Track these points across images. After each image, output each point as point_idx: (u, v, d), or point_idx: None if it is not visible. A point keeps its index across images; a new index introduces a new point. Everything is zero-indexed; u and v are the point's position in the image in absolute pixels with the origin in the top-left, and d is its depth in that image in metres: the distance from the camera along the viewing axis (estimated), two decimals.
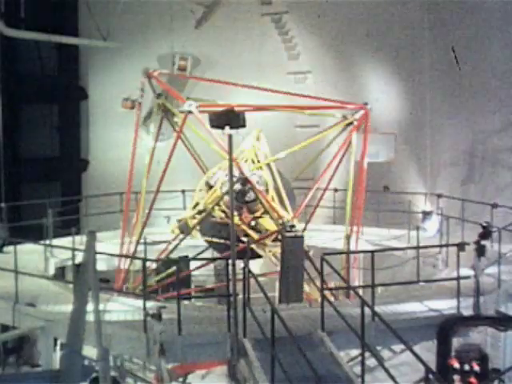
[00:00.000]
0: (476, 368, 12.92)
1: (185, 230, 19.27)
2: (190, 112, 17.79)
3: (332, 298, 16.52)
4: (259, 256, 18.94)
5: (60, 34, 29.48)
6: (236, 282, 12.39)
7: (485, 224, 15.58)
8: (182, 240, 19.23)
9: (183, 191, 23.02)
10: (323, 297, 12.80)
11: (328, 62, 28.22)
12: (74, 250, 16.89)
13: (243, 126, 12.03)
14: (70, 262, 18.37)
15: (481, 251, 14.70)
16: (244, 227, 18.52)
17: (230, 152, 12.26)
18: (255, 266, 19.95)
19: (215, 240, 18.97)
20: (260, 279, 14.10)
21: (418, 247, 18.14)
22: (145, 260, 14.22)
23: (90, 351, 11.48)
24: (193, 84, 29.19)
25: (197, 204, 19.43)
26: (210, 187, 19.20)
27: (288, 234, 16.66)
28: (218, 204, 18.62)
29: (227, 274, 12.96)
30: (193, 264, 20.77)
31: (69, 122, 32.69)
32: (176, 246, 19.26)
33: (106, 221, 22.43)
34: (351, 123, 19.74)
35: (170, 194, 22.22)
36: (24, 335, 15.22)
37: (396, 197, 24.57)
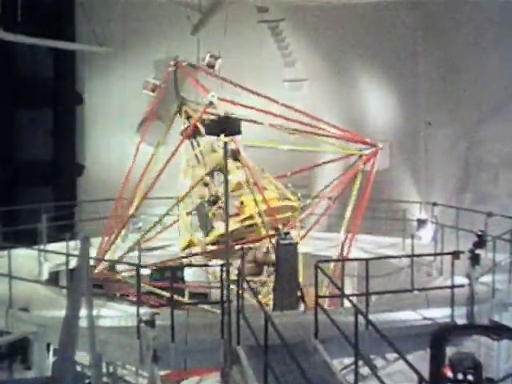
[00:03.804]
0: (469, 377, 12.88)
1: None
2: (211, 103, 17.88)
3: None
4: None
5: (57, 39, 29.51)
6: (230, 289, 12.37)
7: (479, 233, 15.60)
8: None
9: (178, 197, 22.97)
10: (317, 304, 12.79)
11: (324, 70, 28.25)
12: (67, 255, 16.87)
13: (239, 132, 12.04)
14: (63, 267, 18.33)
15: (475, 260, 14.69)
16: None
17: (226, 158, 12.26)
18: None
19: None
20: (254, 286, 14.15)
21: (412, 255, 18.13)
22: (138, 266, 14.18)
23: (82, 357, 11.45)
24: (187, 92, 29.20)
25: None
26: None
27: (282, 242, 16.64)
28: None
29: (221, 280, 12.95)
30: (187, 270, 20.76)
31: (64, 126, 32.72)
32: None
33: (100, 226, 22.37)
34: (360, 156, 19.98)
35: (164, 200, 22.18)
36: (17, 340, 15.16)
37: (391, 205, 24.58)
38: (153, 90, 19.77)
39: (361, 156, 19.99)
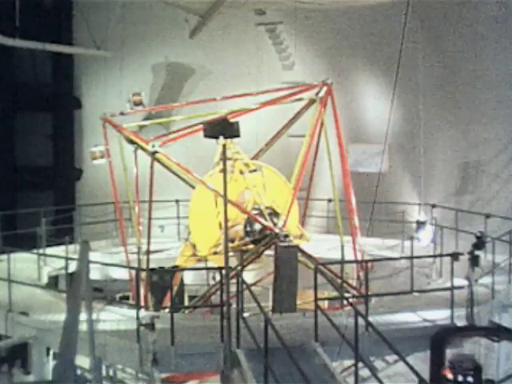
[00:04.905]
0: (470, 379, 12.89)
1: None
2: (156, 152, 17.90)
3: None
4: None
5: (55, 43, 29.53)
6: (229, 292, 12.37)
7: (479, 234, 15.60)
8: None
9: (177, 201, 23.00)
10: (317, 307, 12.79)
11: (322, 72, 28.21)
12: (67, 258, 16.88)
13: (237, 135, 12.03)
14: (63, 271, 18.33)
15: (475, 261, 14.71)
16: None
17: (225, 161, 12.26)
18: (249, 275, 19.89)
19: None
20: (254, 289, 14.13)
21: (411, 257, 18.13)
22: (138, 269, 14.19)
23: (82, 361, 11.46)
24: (185, 94, 29.28)
25: None
26: None
27: (282, 244, 16.64)
28: None
29: (221, 284, 12.95)
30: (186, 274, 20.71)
31: (63, 130, 32.74)
32: None
33: (99, 230, 22.40)
34: (314, 101, 19.53)
35: (163, 204, 22.20)
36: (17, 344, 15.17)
37: (390, 207, 24.58)
38: (101, 157, 19.65)
39: (314, 101, 19.63)
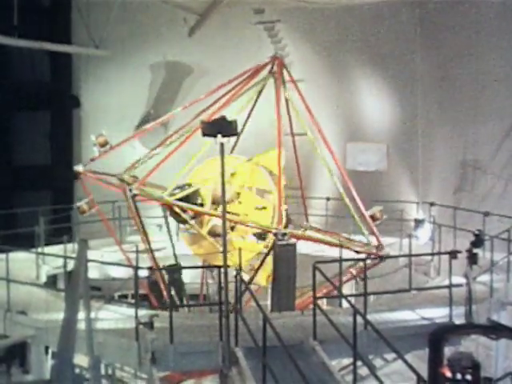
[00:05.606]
0: (468, 377, 12.89)
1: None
2: (135, 195, 17.98)
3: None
4: None
5: (53, 42, 29.49)
6: (228, 290, 12.37)
7: (477, 232, 15.61)
8: None
9: None
10: (315, 305, 12.79)
11: (321, 71, 28.25)
12: (65, 257, 16.88)
13: (235, 134, 12.04)
14: (61, 270, 18.33)
15: (473, 259, 14.72)
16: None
17: (222, 161, 12.25)
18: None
19: None
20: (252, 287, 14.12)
21: (410, 255, 18.12)
22: (136, 268, 14.17)
23: (81, 359, 11.46)
24: (184, 94, 29.24)
25: None
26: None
27: (280, 243, 16.64)
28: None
29: (219, 282, 12.95)
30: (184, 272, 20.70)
31: (61, 129, 32.69)
32: None
33: (97, 229, 22.34)
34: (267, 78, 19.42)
35: None
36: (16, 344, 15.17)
37: (388, 205, 24.57)
38: (90, 209, 19.77)
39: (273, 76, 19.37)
